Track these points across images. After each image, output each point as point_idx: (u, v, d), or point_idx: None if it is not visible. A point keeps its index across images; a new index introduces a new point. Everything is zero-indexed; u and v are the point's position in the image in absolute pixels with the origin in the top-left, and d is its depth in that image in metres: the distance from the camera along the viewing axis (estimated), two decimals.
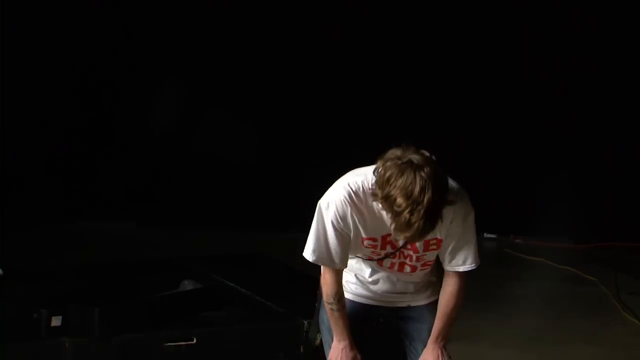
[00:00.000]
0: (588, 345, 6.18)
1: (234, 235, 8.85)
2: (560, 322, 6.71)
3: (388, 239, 3.27)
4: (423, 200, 2.89)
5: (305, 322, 5.42)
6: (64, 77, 9.21)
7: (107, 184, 9.46)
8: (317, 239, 3.27)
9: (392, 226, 3.00)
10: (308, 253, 3.31)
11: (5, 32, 8.62)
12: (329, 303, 3.41)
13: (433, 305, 3.54)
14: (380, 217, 3.21)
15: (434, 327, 3.47)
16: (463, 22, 9.07)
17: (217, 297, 5.87)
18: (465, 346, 6.07)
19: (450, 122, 9.09)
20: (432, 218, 2.95)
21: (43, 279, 6.20)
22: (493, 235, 9.47)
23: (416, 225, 2.93)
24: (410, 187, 2.90)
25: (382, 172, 2.97)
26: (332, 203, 3.22)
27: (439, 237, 3.27)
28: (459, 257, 3.33)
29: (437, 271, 3.50)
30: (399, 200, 2.91)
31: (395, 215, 2.94)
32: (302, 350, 5.46)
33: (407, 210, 2.90)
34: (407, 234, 2.98)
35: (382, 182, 2.96)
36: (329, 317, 3.48)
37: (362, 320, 3.52)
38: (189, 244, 8.67)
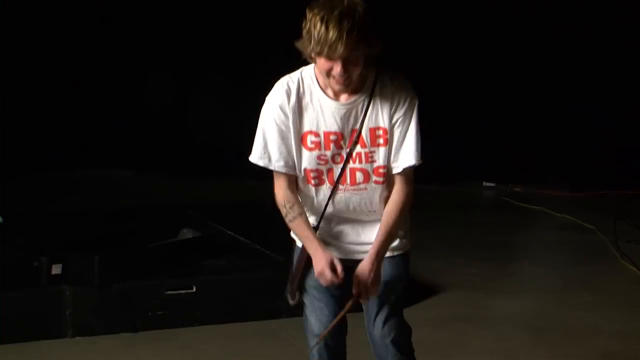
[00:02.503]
0: (586, 292, 6.21)
1: (234, 183, 8.86)
2: (559, 270, 6.74)
3: (331, 138, 3.25)
4: (336, 9, 3.02)
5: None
6: (60, 30, 9.18)
7: (108, 132, 9.45)
8: (262, 140, 3.26)
9: (317, 48, 3.05)
10: (255, 157, 3.28)
11: None
12: (284, 214, 3.31)
13: (397, 259, 3.44)
14: (320, 110, 3.24)
15: (374, 241, 3.33)
16: None
17: (216, 245, 5.89)
18: (464, 294, 6.12)
19: (451, 70, 9.06)
20: (350, 25, 3.02)
21: (43, 226, 6.22)
22: (492, 184, 9.48)
23: (334, 32, 3.01)
24: (324, 10, 3.03)
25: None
26: (270, 98, 3.25)
27: (382, 125, 3.26)
28: (405, 151, 3.28)
29: (406, 225, 3.46)
30: (315, 22, 3.03)
31: (317, 39, 3.03)
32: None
33: (324, 22, 3.01)
34: (332, 42, 3.03)
35: (304, 27, 3.09)
36: (298, 234, 3.34)
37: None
38: (188, 192, 8.68)
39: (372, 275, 3.28)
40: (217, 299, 5.39)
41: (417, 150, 3.27)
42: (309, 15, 3.08)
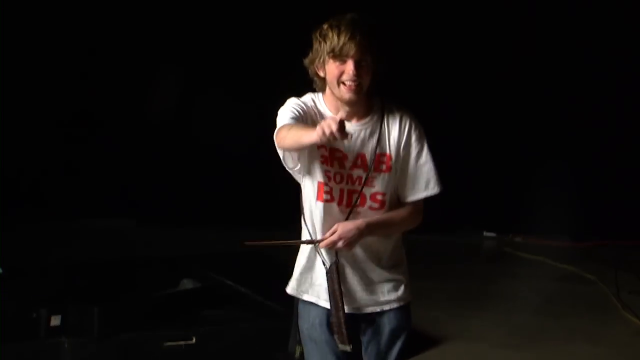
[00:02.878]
0: (588, 344, 6.17)
1: (233, 234, 8.83)
2: (560, 321, 6.70)
3: (336, 155, 3.29)
4: (348, 16, 3.22)
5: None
6: (60, 71, 9.21)
7: (108, 182, 9.46)
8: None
9: (330, 48, 3.18)
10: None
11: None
12: (286, 128, 3.20)
13: (402, 309, 3.45)
14: None
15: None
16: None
17: (216, 296, 5.87)
18: (466, 345, 6.08)
19: (449, 120, 9.08)
20: (361, 29, 3.18)
21: (42, 277, 6.20)
22: (492, 234, 9.46)
23: (347, 33, 3.16)
24: (336, 20, 3.23)
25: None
26: (286, 103, 3.33)
27: (387, 152, 3.31)
28: (421, 181, 3.34)
29: (406, 273, 3.46)
30: (327, 31, 3.20)
31: (329, 43, 3.18)
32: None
33: (336, 27, 3.18)
34: (345, 42, 3.16)
35: (313, 46, 3.27)
36: (294, 138, 3.15)
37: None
38: (188, 243, 8.65)
39: (354, 231, 3.26)
40: (217, 350, 5.36)
41: (437, 178, 3.36)
42: (317, 32, 3.25)
